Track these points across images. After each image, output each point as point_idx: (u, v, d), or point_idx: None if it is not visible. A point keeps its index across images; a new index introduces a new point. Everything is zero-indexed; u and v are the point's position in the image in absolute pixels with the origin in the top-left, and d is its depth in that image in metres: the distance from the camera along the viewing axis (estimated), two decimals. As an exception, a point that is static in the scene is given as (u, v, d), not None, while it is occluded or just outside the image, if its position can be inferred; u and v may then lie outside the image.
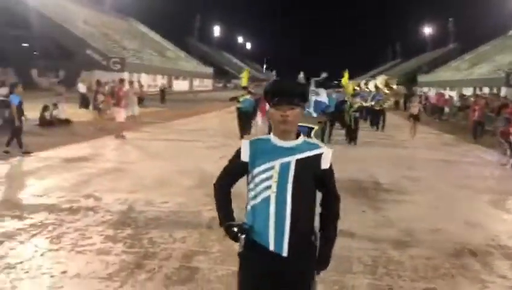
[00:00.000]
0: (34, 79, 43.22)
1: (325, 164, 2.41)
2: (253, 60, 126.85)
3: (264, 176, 2.38)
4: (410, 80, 60.21)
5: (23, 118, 10.03)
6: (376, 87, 24.11)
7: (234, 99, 13.90)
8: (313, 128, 5.17)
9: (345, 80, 15.35)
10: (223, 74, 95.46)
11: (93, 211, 5.92)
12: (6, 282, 3.84)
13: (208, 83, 77.01)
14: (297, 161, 2.37)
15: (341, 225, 2.55)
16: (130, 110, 14.19)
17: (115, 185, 7.38)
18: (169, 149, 11.41)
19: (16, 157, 9.39)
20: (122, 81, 13.94)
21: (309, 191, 2.41)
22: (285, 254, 2.35)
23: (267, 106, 2.44)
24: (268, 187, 2.37)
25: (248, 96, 13.66)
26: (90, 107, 17.10)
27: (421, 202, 7.16)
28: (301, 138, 2.45)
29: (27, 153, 9.67)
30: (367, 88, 29.16)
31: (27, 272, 4.05)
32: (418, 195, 7.57)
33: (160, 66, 56.63)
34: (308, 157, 2.40)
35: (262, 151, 2.42)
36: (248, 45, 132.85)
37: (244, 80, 14.42)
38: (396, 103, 33.91)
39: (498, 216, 6.67)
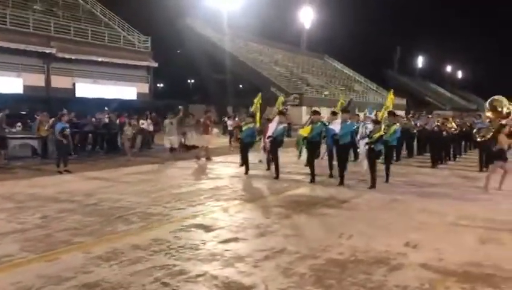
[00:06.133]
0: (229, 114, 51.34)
1: None
2: (465, 89, 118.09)
3: None
4: None
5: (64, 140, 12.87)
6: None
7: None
8: None
9: (388, 102, 12.83)
10: (423, 105, 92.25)
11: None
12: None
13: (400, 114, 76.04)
14: None
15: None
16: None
17: (143, 187, 10.76)
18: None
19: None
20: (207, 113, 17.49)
21: None
22: None
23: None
24: None
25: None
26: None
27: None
28: None
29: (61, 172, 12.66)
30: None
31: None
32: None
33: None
34: None
35: None
36: (459, 74, 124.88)
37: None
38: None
39: None
